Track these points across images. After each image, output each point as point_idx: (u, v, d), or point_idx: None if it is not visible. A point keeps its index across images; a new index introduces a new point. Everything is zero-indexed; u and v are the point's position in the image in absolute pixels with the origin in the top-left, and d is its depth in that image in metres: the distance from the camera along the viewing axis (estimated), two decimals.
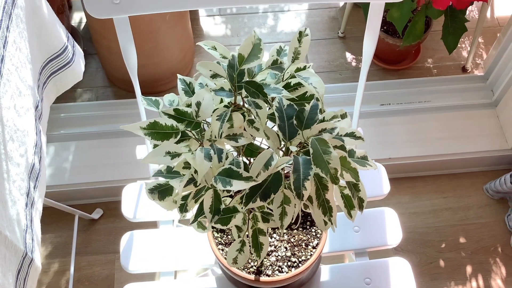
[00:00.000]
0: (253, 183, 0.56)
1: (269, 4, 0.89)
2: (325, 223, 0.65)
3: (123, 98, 1.76)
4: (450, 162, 1.64)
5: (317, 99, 0.65)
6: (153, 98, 0.67)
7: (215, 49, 0.66)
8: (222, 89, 0.62)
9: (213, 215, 0.59)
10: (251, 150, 0.65)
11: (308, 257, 0.85)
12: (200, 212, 0.61)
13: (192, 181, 0.61)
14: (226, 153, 0.59)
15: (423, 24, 1.57)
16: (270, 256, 0.85)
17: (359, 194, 0.66)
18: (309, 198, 0.62)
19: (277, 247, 0.86)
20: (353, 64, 1.86)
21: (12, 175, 0.85)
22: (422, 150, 1.62)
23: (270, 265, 0.85)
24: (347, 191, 0.68)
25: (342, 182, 0.69)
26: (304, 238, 0.87)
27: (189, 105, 0.61)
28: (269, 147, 0.62)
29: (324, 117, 0.64)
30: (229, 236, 0.87)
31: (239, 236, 0.65)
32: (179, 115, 0.60)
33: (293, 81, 0.65)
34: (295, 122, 0.57)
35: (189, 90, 0.67)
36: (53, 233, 1.58)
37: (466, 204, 1.64)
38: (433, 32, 1.89)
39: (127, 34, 0.92)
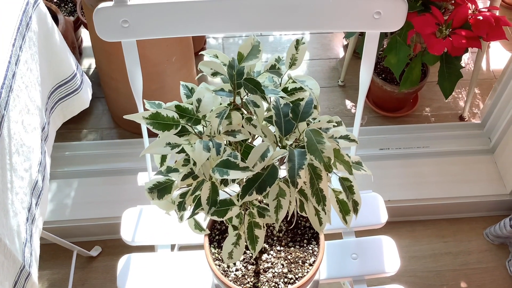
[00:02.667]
0: (249, 173, 0.58)
1: (272, 32, 0.94)
2: (320, 223, 0.67)
3: (127, 138, 1.79)
4: (449, 206, 1.64)
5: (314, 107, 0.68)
6: (156, 102, 0.70)
7: (217, 57, 0.69)
8: (222, 89, 0.65)
9: (210, 206, 0.60)
10: (249, 153, 0.68)
11: (305, 274, 0.85)
12: (197, 206, 0.63)
13: (190, 174, 0.63)
14: (224, 147, 0.61)
15: (420, 70, 1.62)
16: (267, 272, 0.86)
17: (353, 197, 0.68)
18: (304, 195, 0.63)
19: (273, 263, 0.87)
20: (353, 111, 1.90)
21: (16, 187, 0.87)
22: (421, 193, 1.63)
23: (267, 281, 0.85)
24: (342, 196, 0.70)
25: (337, 187, 0.71)
26: (301, 255, 0.87)
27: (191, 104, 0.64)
28: None
29: (319, 121, 0.67)
30: None
31: (235, 229, 0.66)
32: (180, 111, 0.63)
33: (290, 87, 0.68)
34: (290, 115, 0.60)
35: (191, 95, 0.70)
36: (51, 269, 1.57)
37: (466, 249, 1.63)
38: (430, 83, 1.95)
39: (134, 58, 0.96)
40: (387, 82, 1.77)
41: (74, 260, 1.55)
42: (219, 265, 0.86)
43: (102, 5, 0.90)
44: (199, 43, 2.01)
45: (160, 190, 0.67)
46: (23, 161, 0.90)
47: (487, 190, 1.65)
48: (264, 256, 0.87)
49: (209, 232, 0.78)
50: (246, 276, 0.85)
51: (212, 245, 0.88)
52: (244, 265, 0.86)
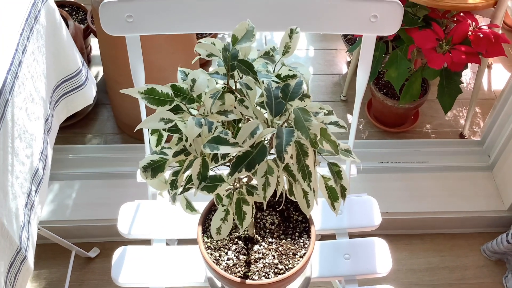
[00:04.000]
0: (239, 149, 0.60)
1: (271, 31, 0.97)
2: (308, 205, 0.68)
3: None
4: (447, 220, 1.65)
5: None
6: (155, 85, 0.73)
7: (214, 44, 0.72)
8: (216, 72, 0.67)
9: (200, 181, 0.62)
10: None
11: (295, 265, 0.86)
12: (189, 182, 0.65)
13: (183, 151, 0.65)
14: (216, 125, 0.63)
15: (420, 85, 1.65)
16: (258, 262, 0.87)
17: (341, 182, 0.70)
18: (292, 175, 0.65)
19: (265, 254, 0.88)
20: None
21: (16, 171, 0.90)
22: (419, 206, 1.64)
23: (257, 271, 0.86)
24: (331, 183, 0.72)
25: (326, 174, 0.73)
26: (292, 247, 0.89)
27: None
28: None
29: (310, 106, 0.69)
30: (218, 242, 0.89)
31: (223, 205, 0.68)
32: (175, 90, 0.65)
33: (283, 74, 0.70)
34: (280, 95, 0.62)
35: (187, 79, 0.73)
36: (48, 269, 1.58)
37: (463, 263, 1.63)
38: (431, 100, 1.97)
39: (137, 53, 1.00)
40: (388, 97, 1.80)
41: (72, 260, 1.56)
42: (211, 254, 0.87)
43: None
44: None
45: (154, 168, 0.69)
46: (25, 147, 0.93)
47: (485, 206, 1.66)
48: (256, 247, 0.89)
49: (199, 212, 0.79)
50: (237, 266, 0.87)
51: (205, 235, 0.89)
52: (236, 255, 0.88)
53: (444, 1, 1.54)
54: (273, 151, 0.66)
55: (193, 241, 1.07)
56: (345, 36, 2.04)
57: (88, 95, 1.18)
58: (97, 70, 2.07)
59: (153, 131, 0.74)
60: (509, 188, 1.64)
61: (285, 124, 0.65)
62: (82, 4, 2.03)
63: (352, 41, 2.02)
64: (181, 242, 1.23)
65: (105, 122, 1.90)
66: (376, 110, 1.91)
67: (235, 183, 0.68)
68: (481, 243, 1.67)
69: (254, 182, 0.71)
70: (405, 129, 1.91)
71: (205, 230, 0.90)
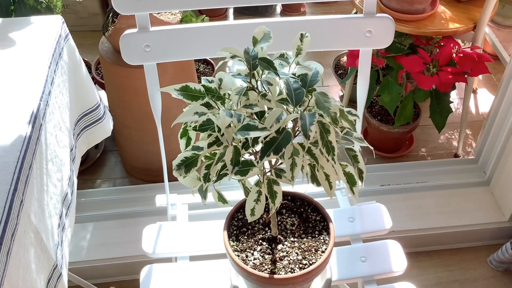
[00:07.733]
0: (267, 132, 0.67)
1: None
2: (330, 187, 0.75)
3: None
4: (451, 235, 1.71)
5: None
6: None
7: None
8: (239, 74, 0.76)
9: (233, 166, 0.69)
10: None
11: (318, 259, 0.92)
12: (222, 169, 0.72)
13: (215, 142, 0.72)
14: (244, 116, 0.71)
15: (412, 107, 1.74)
16: (283, 260, 0.92)
17: (358, 165, 0.77)
18: (315, 158, 0.72)
19: (288, 252, 0.93)
20: None
21: (50, 192, 0.96)
22: (423, 223, 1.70)
23: (283, 267, 0.91)
24: (348, 169, 0.79)
25: (343, 162, 0.80)
26: (314, 244, 0.94)
27: None
28: None
29: None
30: (244, 244, 0.94)
31: (256, 186, 0.74)
32: (205, 89, 0.73)
33: (298, 73, 0.79)
34: (300, 83, 0.70)
35: None
36: None
37: (472, 276, 1.67)
38: (423, 126, 2.07)
39: (154, 80, 1.08)
40: (383, 123, 1.89)
41: None
42: (238, 256, 0.93)
43: (127, 31, 1.03)
44: None
45: (187, 165, 0.76)
46: (56, 170, 0.99)
47: (487, 218, 1.72)
48: (280, 246, 0.94)
49: (231, 205, 0.85)
50: (264, 264, 0.92)
51: (230, 239, 0.95)
52: (261, 255, 0.93)
53: (427, 28, 1.66)
54: (296, 139, 0.73)
55: (207, 257, 1.12)
56: (336, 71, 2.16)
57: (106, 128, 1.25)
58: None
59: (182, 135, 0.81)
60: (507, 200, 1.71)
61: (305, 112, 0.72)
62: (85, 59, 2.13)
63: (343, 76, 2.13)
64: (194, 258, 1.27)
65: (113, 167, 1.96)
66: (373, 137, 1.99)
67: (263, 169, 0.75)
68: (487, 256, 1.72)
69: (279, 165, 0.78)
70: (402, 154, 1.99)
71: (230, 235, 0.95)
